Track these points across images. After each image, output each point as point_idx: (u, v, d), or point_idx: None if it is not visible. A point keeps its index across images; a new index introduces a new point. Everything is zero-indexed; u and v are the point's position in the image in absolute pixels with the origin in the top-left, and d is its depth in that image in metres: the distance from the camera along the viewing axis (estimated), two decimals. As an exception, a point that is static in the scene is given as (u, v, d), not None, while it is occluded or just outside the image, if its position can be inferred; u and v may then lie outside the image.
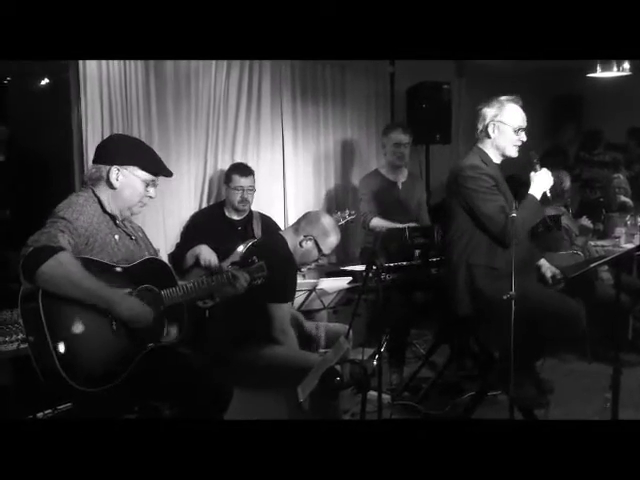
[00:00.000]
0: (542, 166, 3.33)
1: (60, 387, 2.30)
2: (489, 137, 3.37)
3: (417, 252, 4.00)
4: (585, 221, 4.94)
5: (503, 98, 3.37)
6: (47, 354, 2.25)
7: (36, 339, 2.29)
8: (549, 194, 3.33)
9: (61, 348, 2.27)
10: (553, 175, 4.74)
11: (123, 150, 2.60)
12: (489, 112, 3.35)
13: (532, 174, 3.32)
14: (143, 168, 2.59)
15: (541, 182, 3.29)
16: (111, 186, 2.55)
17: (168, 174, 2.71)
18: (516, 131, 3.32)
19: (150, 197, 2.65)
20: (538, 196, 3.28)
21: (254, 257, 2.84)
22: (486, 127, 3.36)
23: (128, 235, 2.62)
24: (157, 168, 2.66)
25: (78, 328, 2.32)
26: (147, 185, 2.62)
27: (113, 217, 2.58)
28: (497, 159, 3.42)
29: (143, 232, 2.81)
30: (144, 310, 2.45)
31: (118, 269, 2.47)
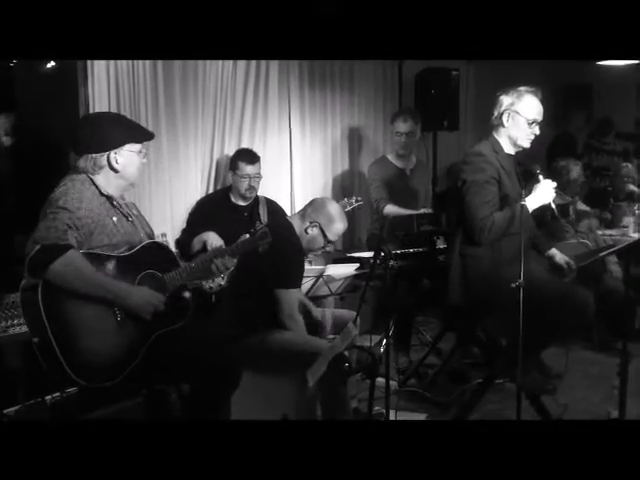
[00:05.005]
0: (545, 177, 3.22)
1: (69, 382, 2.33)
2: (503, 126, 3.31)
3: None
4: (581, 205, 4.90)
5: (523, 88, 3.29)
6: (51, 353, 2.26)
7: (40, 339, 2.30)
8: (554, 205, 3.19)
9: (65, 345, 2.27)
10: (563, 164, 4.76)
11: (112, 132, 2.57)
12: (506, 100, 3.30)
13: (535, 185, 3.21)
14: (134, 141, 2.60)
15: (540, 194, 3.18)
16: (114, 170, 2.56)
17: (151, 137, 2.72)
18: (530, 124, 3.26)
19: (143, 163, 2.68)
20: (530, 207, 3.12)
21: (257, 223, 2.83)
22: (501, 115, 3.31)
23: (125, 216, 2.64)
24: (143, 135, 2.68)
25: (81, 323, 2.32)
26: (141, 154, 2.64)
27: (110, 198, 2.58)
28: (510, 149, 3.37)
29: (137, 209, 2.82)
30: (155, 297, 2.47)
31: (120, 257, 2.48)
